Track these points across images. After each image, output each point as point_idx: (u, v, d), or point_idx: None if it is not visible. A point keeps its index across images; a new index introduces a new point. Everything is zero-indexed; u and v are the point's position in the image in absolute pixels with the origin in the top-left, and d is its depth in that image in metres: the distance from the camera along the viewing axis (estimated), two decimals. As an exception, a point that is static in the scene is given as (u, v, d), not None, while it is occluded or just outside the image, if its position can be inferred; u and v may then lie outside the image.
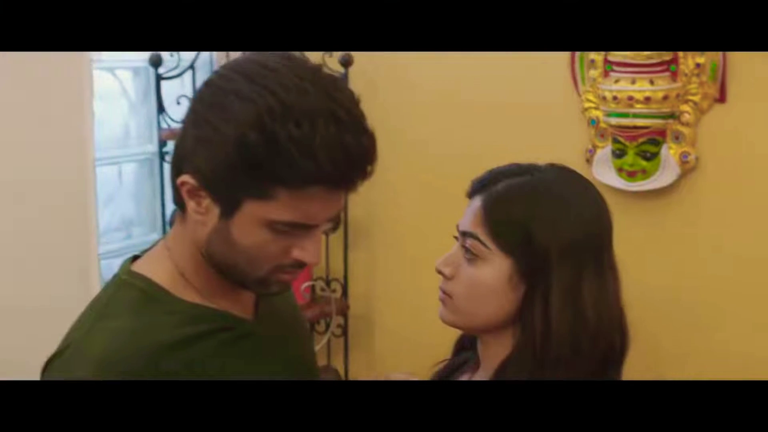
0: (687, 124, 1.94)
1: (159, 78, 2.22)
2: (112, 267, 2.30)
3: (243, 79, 1.04)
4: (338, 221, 2.43)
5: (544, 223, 1.16)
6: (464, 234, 1.21)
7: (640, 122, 1.95)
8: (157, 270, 1.14)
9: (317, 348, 2.55)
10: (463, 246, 1.21)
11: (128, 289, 1.13)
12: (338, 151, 1.00)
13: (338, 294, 2.55)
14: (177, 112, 2.29)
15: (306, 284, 2.43)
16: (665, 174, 1.97)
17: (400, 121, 2.34)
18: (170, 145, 2.28)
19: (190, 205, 1.08)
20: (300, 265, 1.11)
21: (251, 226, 1.06)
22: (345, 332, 2.57)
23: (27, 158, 1.96)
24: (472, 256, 1.20)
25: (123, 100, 2.30)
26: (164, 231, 2.27)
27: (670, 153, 1.95)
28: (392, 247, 2.50)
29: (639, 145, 1.96)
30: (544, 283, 1.16)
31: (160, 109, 2.24)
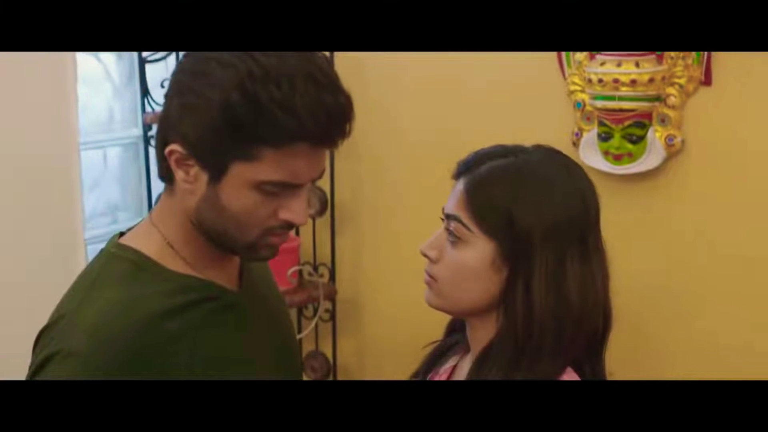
0: (673, 107, 1.94)
1: (143, 61, 2.21)
2: (97, 252, 2.28)
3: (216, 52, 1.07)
4: (325, 203, 2.43)
5: (527, 206, 1.15)
6: (448, 217, 1.21)
7: (626, 105, 1.95)
8: (145, 243, 1.17)
9: (305, 333, 2.55)
10: (447, 229, 1.21)
11: (118, 261, 1.16)
12: (319, 110, 1.04)
13: (325, 279, 2.54)
14: (161, 96, 2.27)
15: (293, 269, 2.42)
16: (651, 157, 1.97)
17: (386, 104, 2.33)
18: (155, 129, 2.26)
19: (179, 174, 1.11)
20: (288, 226, 1.14)
21: (240, 189, 1.09)
22: (333, 317, 2.57)
23: (11, 144, 1.95)
24: (455, 239, 1.19)
25: (107, 84, 2.28)
26: (150, 216, 2.27)
27: (656, 136, 1.96)
28: (380, 231, 2.50)
29: (625, 128, 1.96)
30: (526, 267, 1.15)
31: (145, 92, 2.22)
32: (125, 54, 2.26)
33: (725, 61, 1.88)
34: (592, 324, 1.20)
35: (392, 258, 2.46)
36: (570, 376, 1.19)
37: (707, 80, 1.91)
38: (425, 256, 1.24)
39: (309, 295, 2.48)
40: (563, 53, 2.05)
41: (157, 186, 2.27)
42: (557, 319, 1.15)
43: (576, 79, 2.04)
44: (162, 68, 2.29)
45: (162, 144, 1.13)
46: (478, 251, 1.17)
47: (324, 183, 2.40)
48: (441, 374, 1.32)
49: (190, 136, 1.08)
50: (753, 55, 1.82)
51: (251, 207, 1.10)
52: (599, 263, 1.20)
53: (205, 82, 1.06)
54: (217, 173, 1.09)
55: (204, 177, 1.10)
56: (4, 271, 1.96)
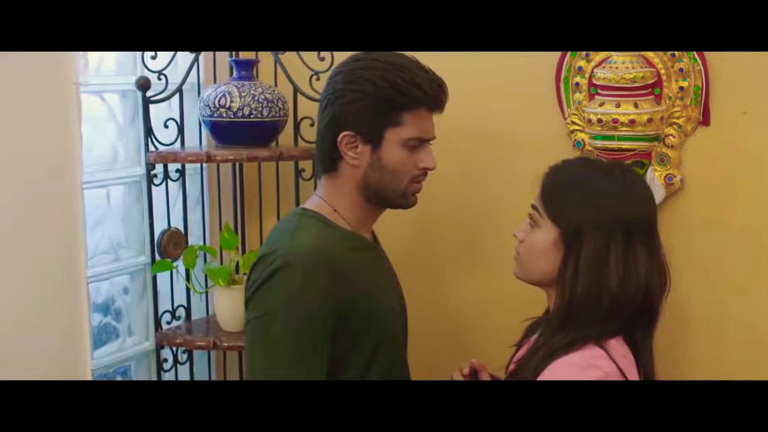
0: (671, 147, 1.96)
1: (147, 101, 2.23)
2: (100, 290, 2.29)
3: (357, 63, 1.60)
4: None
5: (580, 205, 1.49)
6: (532, 206, 1.56)
7: (625, 145, 1.97)
8: (320, 209, 1.65)
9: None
10: (530, 215, 1.55)
11: (308, 216, 1.64)
12: (433, 83, 1.60)
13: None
14: (165, 135, 2.29)
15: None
16: (651, 196, 1.98)
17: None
18: (158, 168, 2.27)
19: (348, 155, 1.61)
20: (424, 174, 1.65)
21: (393, 149, 1.60)
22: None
23: (16, 182, 1.96)
24: (533, 223, 1.55)
25: (111, 123, 2.30)
26: (152, 253, 2.26)
27: (655, 175, 1.97)
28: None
29: (624, 168, 1.97)
30: (577, 251, 1.47)
31: (148, 131, 2.24)
32: (129, 93, 2.28)
33: (722, 102, 1.90)
34: (632, 303, 1.47)
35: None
36: (618, 342, 1.46)
37: (705, 120, 1.93)
38: (515, 236, 1.59)
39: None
40: (562, 94, 2.07)
41: (159, 224, 2.28)
42: (596, 295, 1.46)
43: (576, 119, 2.06)
44: (165, 108, 2.31)
45: (330, 141, 1.61)
46: (546, 233, 1.52)
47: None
48: (531, 341, 1.59)
49: (356, 122, 1.58)
50: (748, 95, 1.85)
51: (401, 161, 1.61)
52: (647, 255, 1.48)
53: (357, 83, 1.58)
54: (377, 142, 1.59)
55: (367, 149, 1.60)
56: (9, 308, 1.96)
